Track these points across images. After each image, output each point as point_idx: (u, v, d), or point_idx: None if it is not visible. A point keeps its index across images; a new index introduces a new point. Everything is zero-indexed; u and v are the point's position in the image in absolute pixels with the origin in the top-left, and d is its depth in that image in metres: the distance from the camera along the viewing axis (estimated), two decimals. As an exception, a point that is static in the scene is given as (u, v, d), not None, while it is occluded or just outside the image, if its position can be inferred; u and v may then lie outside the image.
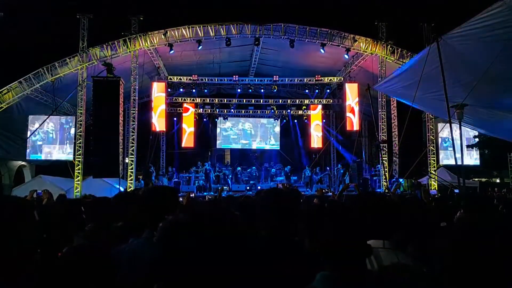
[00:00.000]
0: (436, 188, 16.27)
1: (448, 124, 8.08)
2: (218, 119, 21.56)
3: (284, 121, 22.06)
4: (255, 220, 2.18)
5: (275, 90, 20.11)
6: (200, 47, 15.88)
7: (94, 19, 15.66)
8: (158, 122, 17.76)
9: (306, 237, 1.65)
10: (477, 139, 18.33)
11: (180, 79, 19.25)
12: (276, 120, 21.93)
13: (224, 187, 16.07)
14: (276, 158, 21.90)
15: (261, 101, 21.27)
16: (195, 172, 18.91)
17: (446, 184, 14.45)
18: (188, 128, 20.37)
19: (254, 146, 22.01)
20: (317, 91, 20.48)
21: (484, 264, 1.21)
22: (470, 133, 17.96)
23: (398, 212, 2.38)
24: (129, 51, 15.59)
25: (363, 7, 20.42)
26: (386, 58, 16.26)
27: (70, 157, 16.03)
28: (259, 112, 21.79)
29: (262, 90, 20.53)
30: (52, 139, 16.61)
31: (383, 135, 16.53)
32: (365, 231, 1.97)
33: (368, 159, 22.01)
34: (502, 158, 19.67)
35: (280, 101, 21.54)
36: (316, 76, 18.99)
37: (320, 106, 21.05)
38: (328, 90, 20.83)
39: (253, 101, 21.34)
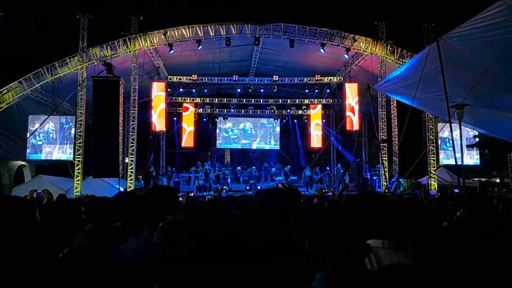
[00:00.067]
0: (436, 188, 16.28)
1: (448, 124, 8.08)
2: (218, 119, 21.55)
3: (284, 121, 22.06)
4: (255, 220, 2.18)
5: (275, 90, 20.11)
6: (200, 47, 15.88)
7: (94, 19, 15.65)
8: (158, 122, 17.76)
9: (306, 237, 1.65)
10: (477, 139, 18.33)
11: (180, 79, 19.25)
12: (276, 120, 21.93)
13: (224, 187, 16.06)
14: (276, 158, 21.90)
15: (261, 101, 21.27)
16: (194, 172, 18.91)
17: (446, 184, 14.45)
18: (188, 127, 20.35)
19: (254, 146, 22.01)
20: (317, 91, 20.48)
21: (484, 264, 1.21)
22: (470, 133, 17.97)
23: (398, 212, 2.38)
24: (129, 51, 15.59)
25: (363, 7, 20.42)
26: (386, 58, 16.26)
27: (70, 157, 16.02)
28: (259, 112, 21.79)
29: (262, 90, 20.54)
30: (52, 139, 16.60)
31: (383, 135, 16.53)
32: (365, 231, 1.97)
33: (368, 159, 22.02)
34: (502, 158, 19.67)
35: (280, 101, 21.54)
36: (316, 76, 19.00)
37: (320, 106, 21.04)
38: (328, 90, 20.83)
39: (253, 101, 21.34)
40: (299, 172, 20.46)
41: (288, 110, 21.41)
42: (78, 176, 15.07)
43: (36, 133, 16.26)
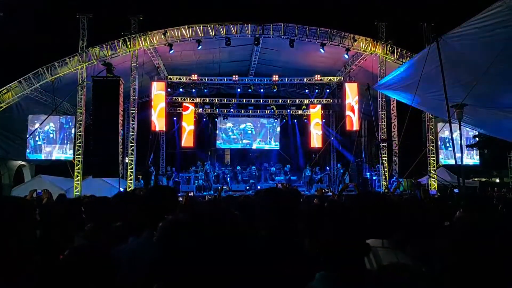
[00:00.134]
0: (436, 188, 16.28)
1: (448, 124, 8.08)
2: (217, 119, 21.56)
3: (284, 121, 22.06)
4: (254, 220, 2.18)
5: (274, 90, 20.12)
6: (200, 47, 15.87)
7: (94, 19, 15.64)
8: (158, 122, 17.76)
9: (306, 237, 1.65)
10: (477, 139, 18.34)
11: (180, 78, 19.25)
12: (276, 120, 21.93)
13: (224, 187, 16.07)
14: (275, 158, 21.90)
15: (261, 101, 21.26)
16: (194, 172, 18.91)
17: (446, 184, 14.46)
18: (188, 126, 20.33)
19: (254, 146, 22.02)
20: (316, 91, 20.48)
21: (484, 264, 1.21)
22: (470, 133, 17.98)
23: (398, 212, 2.38)
24: (129, 51, 15.59)
25: (363, 7, 20.43)
26: (386, 58, 16.26)
27: (69, 157, 16.02)
28: (258, 112, 21.79)
29: (262, 90, 20.53)
30: (52, 139, 16.60)
31: (383, 135, 16.54)
32: (364, 231, 1.97)
33: (368, 159, 22.02)
34: (502, 158, 19.68)
35: (280, 101, 21.54)
36: (316, 76, 19.00)
37: (319, 106, 21.04)
38: (327, 90, 20.83)
39: (252, 101, 21.33)
40: (299, 172, 20.46)
41: (288, 110, 21.41)
42: (78, 176, 15.06)
43: (36, 133, 16.26)
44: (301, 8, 20.72)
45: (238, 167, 19.81)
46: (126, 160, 16.31)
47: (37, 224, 2.02)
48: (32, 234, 1.62)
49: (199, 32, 15.60)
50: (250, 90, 19.92)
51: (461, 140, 9.00)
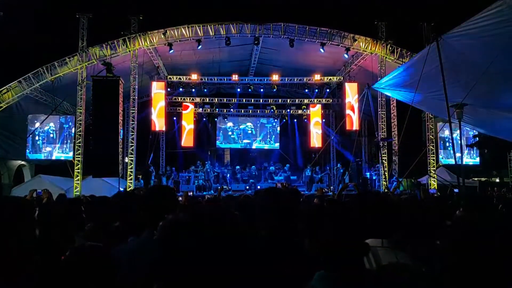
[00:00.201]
0: (436, 187, 16.29)
1: (448, 124, 8.08)
2: (217, 118, 21.57)
3: (284, 120, 22.06)
4: (254, 220, 2.18)
5: (274, 90, 20.11)
6: (200, 46, 15.87)
7: (94, 19, 15.63)
8: (158, 121, 17.75)
9: (306, 237, 1.65)
10: (477, 139, 18.34)
11: (180, 78, 19.26)
12: (275, 120, 21.93)
13: (224, 187, 16.07)
14: (275, 157, 21.90)
15: (261, 101, 21.26)
16: (194, 171, 18.92)
17: (446, 183, 14.46)
18: (187, 125, 20.32)
19: (254, 146, 22.02)
20: (316, 90, 20.48)
21: (484, 264, 1.21)
22: (470, 132, 17.99)
23: (398, 211, 2.38)
24: (129, 51, 15.58)
25: (362, 7, 20.43)
26: (386, 57, 16.26)
27: (69, 156, 16.02)
28: (258, 111, 21.78)
29: (262, 90, 20.53)
30: (52, 138, 16.60)
31: (382, 135, 16.54)
32: (364, 231, 1.97)
33: (368, 158, 22.02)
34: (502, 157, 19.68)
35: (280, 101, 21.55)
36: (316, 75, 18.99)
37: (319, 105, 21.04)
38: (327, 90, 20.83)
39: (252, 101, 21.33)
40: (299, 172, 20.47)
41: (288, 110, 21.41)
42: (77, 176, 15.06)
43: (36, 133, 16.26)
44: (301, 8, 20.73)
45: (238, 167, 19.81)
46: (126, 160, 16.31)
47: (36, 224, 2.02)
48: (31, 234, 1.62)
49: (199, 32, 15.59)
50: (250, 90, 19.92)
51: (461, 140, 9.03)
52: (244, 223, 2.29)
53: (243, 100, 21.10)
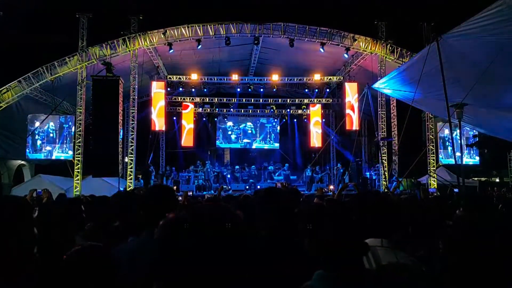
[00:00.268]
0: (436, 187, 16.29)
1: (448, 124, 8.08)
2: (217, 118, 21.57)
3: (284, 120, 22.07)
4: (254, 220, 2.18)
5: (274, 90, 20.11)
6: (200, 46, 15.86)
7: (94, 19, 15.62)
8: (158, 121, 17.74)
9: (306, 237, 1.65)
10: (476, 139, 18.33)
11: (180, 78, 19.26)
12: (275, 120, 21.94)
13: (224, 186, 16.08)
14: (275, 157, 21.90)
15: (261, 101, 21.25)
16: (194, 171, 18.92)
17: (446, 183, 14.47)
18: (187, 124, 20.31)
19: (254, 145, 22.03)
20: (316, 90, 20.48)
21: (484, 264, 1.21)
22: (470, 132, 17.99)
23: (398, 211, 2.38)
24: (129, 50, 15.58)
25: (362, 7, 20.42)
26: (386, 57, 16.25)
27: (69, 156, 16.02)
28: (258, 111, 21.78)
29: (262, 90, 20.52)
30: (51, 138, 16.60)
31: (382, 135, 16.54)
32: (364, 230, 1.96)
33: (368, 158, 22.02)
34: (502, 157, 19.68)
35: (280, 101, 21.54)
36: (316, 75, 18.99)
37: (319, 105, 21.04)
38: (327, 90, 20.83)
39: (252, 101, 21.32)
40: (299, 172, 20.46)
41: (288, 110, 21.41)
42: (77, 176, 15.06)
43: (36, 132, 16.26)
44: (301, 7, 20.72)
45: (238, 167, 19.82)
46: (126, 159, 16.31)
47: (36, 224, 2.02)
48: (30, 233, 1.62)
49: (199, 32, 15.59)
50: (250, 90, 19.92)
51: (461, 139, 9.03)
52: (244, 223, 2.29)
53: (243, 100, 21.09)
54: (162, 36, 15.58)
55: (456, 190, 10.69)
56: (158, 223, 1.83)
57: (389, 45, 16.19)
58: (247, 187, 17.84)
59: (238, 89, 20.17)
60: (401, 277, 1.86)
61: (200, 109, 21.05)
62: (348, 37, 16.25)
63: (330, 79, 19.63)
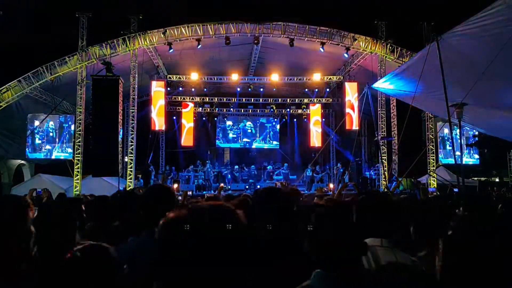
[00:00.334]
0: (436, 187, 16.29)
1: (447, 123, 8.08)
2: (217, 118, 21.57)
3: (284, 120, 22.06)
4: (254, 220, 2.18)
5: (274, 89, 20.10)
6: (200, 46, 15.86)
7: (94, 18, 15.62)
8: (158, 120, 17.74)
9: (306, 237, 1.65)
10: (476, 139, 18.34)
11: (179, 78, 19.25)
12: (275, 119, 21.94)
13: (223, 186, 16.07)
14: (275, 157, 21.91)
15: (261, 100, 21.25)
16: (194, 171, 18.92)
17: (446, 183, 14.47)
18: (187, 123, 20.31)
19: (254, 145, 22.02)
20: (316, 90, 20.47)
21: (484, 264, 1.21)
22: (470, 132, 17.98)
23: (398, 211, 2.38)
24: (128, 50, 15.57)
25: (362, 6, 20.39)
26: (386, 57, 16.25)
27: (69, 155, 16.02)
28: (258, 111, 21.78)
29: (262, 89, 20.53)
30: (51, 138, 16.60)
31: (382, 134, 16.54)
32: (364, 230, 1.96)
33: (368, 158, 22.02)
34: (502, 157, 19.68)
35: (280, 100, 21.54)
36: (316, 75, 18.98)
37: (319, 105, 21.03)
38: (327, 89, 20.82)
39: (252, 100, 21.32)
40: (299, 171, 20.47)
41: (288, 110, 21.40)
42: (77, 175, 15.06)
43: (35, 132, 16.26)
44: (301, 7, 20.69)
45: (237, 166, 19.81)
46: (126, 159, 16.31)
47: (34, 223, 2.02)
48: (27, 231, 1.62)
49: (199, 31, 15.58)
50: (249, 89, 19.91)
51: (460, 139, 9.03)
52: (245, 222, 2.29)
53: (243, 99, 21.10)
54: (162, 35, 15.58)
55: (456, 189, 10.69)
56: (158, 223, 1.83)
57: (389, 45, 16.19)
58: (247, 186, 17.84)
59: (238, 89, 20.16)
60: (401, 277, 1.86)
61: (200, 108, 21.05)
62: (348, 36, 16.25)
63: (330, 78, 19.63)
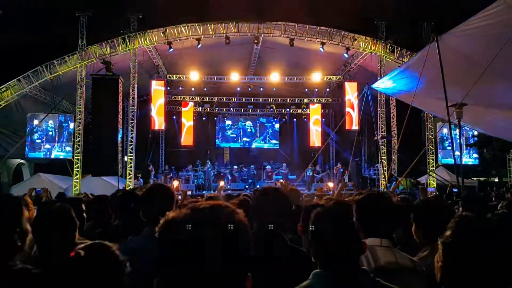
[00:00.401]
0: (435, 187, 16.29)
1: (447, 124, 8.08)
2: (217, 117, 21.56)
3: (283, 120, 22.06)
4: (254, 219, 2.18)
5: (274, 89, 20.10)
6: (199, 45, 15.85)
7: (93, 17, 15.61)
8: (157, 120, 17.73)
9: (305, 236, 1.65)
10: (476, 139, 18.34)
11: (179, 77, 19.25)
12: (275, 119, 21.94)
13: (224, 185, 16.07)
14: (275, 157, 21.91)
15: (260, 100, 21.25)
16: (193, 170, 18.92)
17: (446, 183, 14.47)
18: (187, 122, 20.29)
19: (254, 145, 22.02)
20: (316, 90, 20.47)
21: (484, 264, 1.21)
22: (469, 132, 17.99)
23: (398, 211, 2.38)
24: (128, 49, 15.56)
25: (362, 6, 20.36)
26: (386, 57, 16.25)
27: (69, 155, 16.01)
28: (258, 111, 21.78)
29: (261, 89, 20.52)
30: (51, 137, 16.59)
31: (382, 134, 16.54)
32: (363, 230, 1.97)
33: (367, 158, 22.02)
34: (501, 157, 19.68)
35: (279, 100, 21.54)
36: (316, 74, 18.97)
37: (319, 104, 21.02)
38: (327, 89, 20.82)
39: (252, 100, 21.32)
40: (298, 171, 20.46)
41: (288, 109, 21.40)
42: (77, 175, 15.05)
43: (35, 131, 16.24)
44: (301, 7, 20.66)
45: (235, 166, 19.81)
46: (126, 158, 16.30)
47: (34, 222, 2.02)
48: (22, 230, 1.62)
49: (199, 31, 15.58)
50: (249, 89, 19.90)
51: (460, 139, 9.03)
52: (245, 222, 2.29)
53: (242, 99, 21.09)
54: (162, 35, 15.57)
55: (455, 189, 10.70)
56: (158, 223, 1.83)
57: (389, 45, 16.18)
58: (247, 186, 17.84)
59: (238, 88, 20.15)
60: (400, 277, 1.86)
61: (200, 108, 21.04)
62: (348, 36, 16.25)
63: (330, 78, 19.62)
